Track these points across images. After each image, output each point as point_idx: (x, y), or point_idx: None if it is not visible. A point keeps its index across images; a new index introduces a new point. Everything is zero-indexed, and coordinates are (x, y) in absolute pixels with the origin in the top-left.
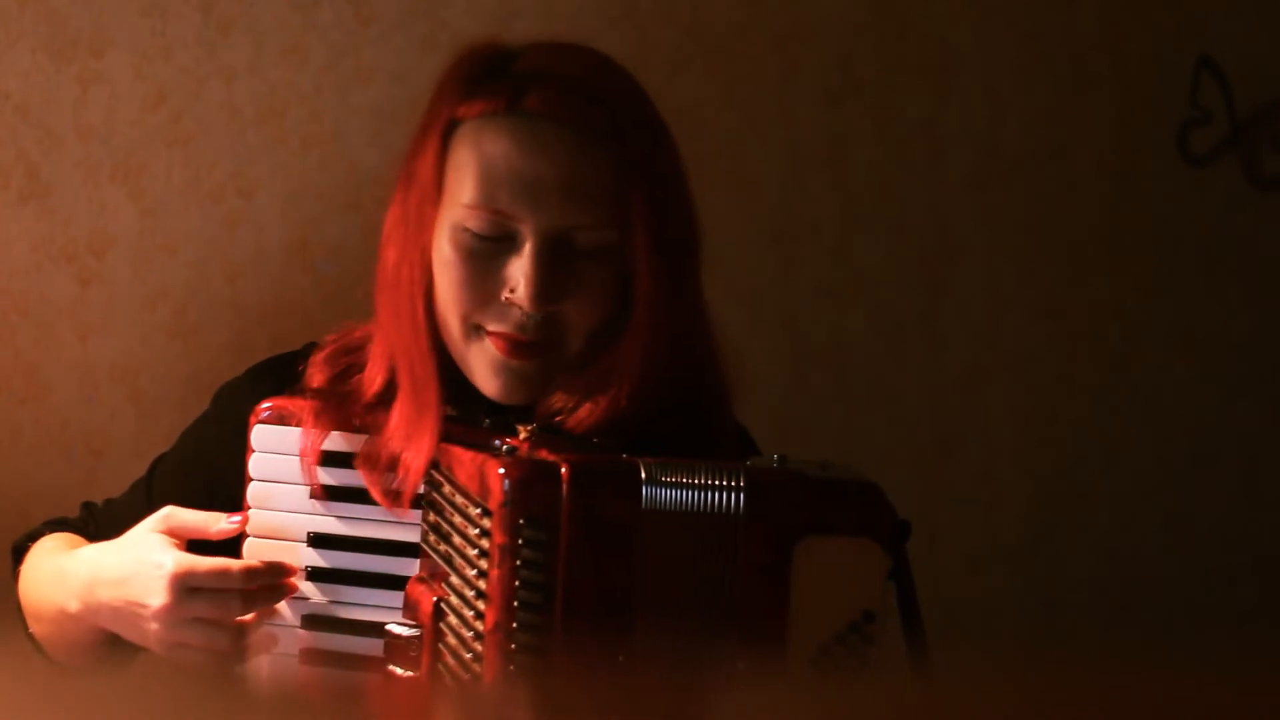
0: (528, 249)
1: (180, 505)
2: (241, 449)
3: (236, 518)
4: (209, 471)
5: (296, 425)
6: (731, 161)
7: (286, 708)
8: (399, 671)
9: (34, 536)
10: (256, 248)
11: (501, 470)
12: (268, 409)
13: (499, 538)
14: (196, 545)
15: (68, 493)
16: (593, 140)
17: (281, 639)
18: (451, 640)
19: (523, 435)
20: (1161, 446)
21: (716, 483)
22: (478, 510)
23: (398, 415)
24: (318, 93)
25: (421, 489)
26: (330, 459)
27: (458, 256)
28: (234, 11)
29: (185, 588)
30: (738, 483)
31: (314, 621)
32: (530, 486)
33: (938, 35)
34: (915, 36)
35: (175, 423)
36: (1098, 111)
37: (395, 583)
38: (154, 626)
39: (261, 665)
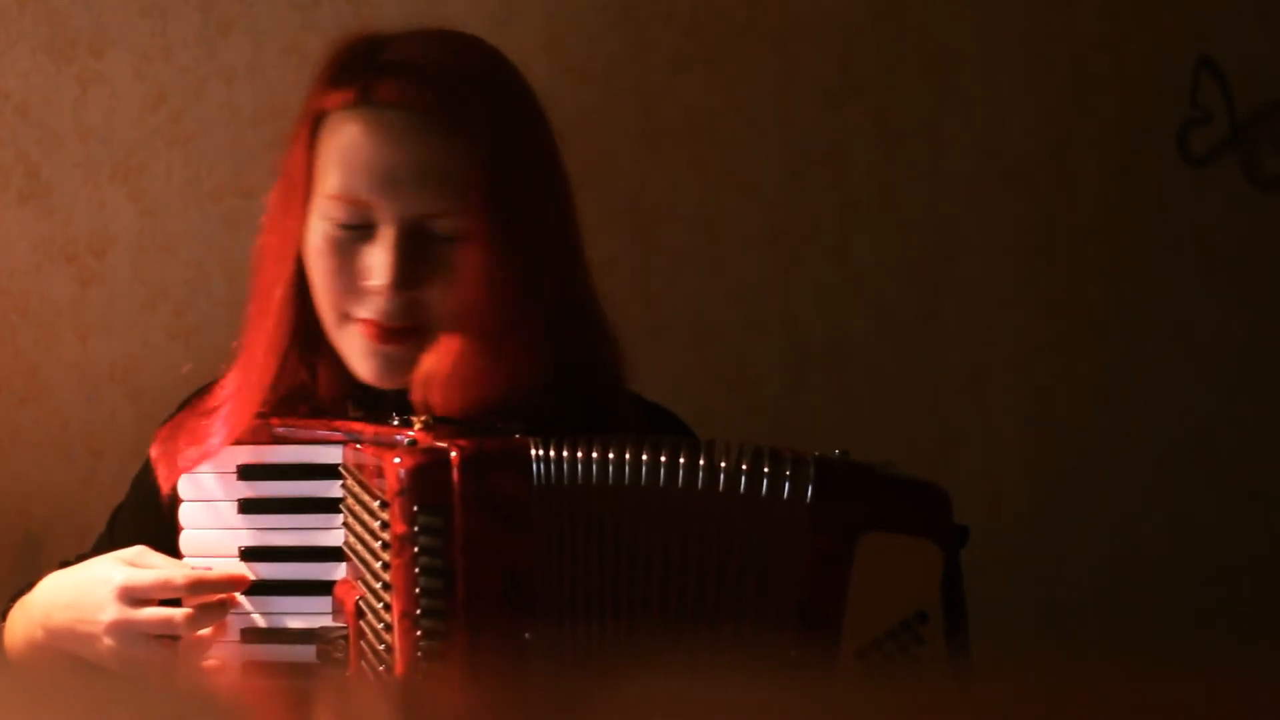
0: (384, 237)
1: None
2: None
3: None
4: (158, 513)
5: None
6: (731, 161)
7: (220, 711)
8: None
9: (21, 594)
10: None
11: (396, 460)
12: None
13: (397, 527)
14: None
15: (68, 493)
16: (442, 129)
17: (221, 653)
18: (369, 635)
19: (417, 426)
20: (1161, 446)
21: (771, 468)
22: (378, 503)
23: (230, 385)
24: None
25: (339, 493)
26: (249, 472)
27: (324, 247)
28: (234, 11)
29: (132, 600)
30: (806, 472)
31: (252, 634)
32: (422, 474)
33: (938, 35)
34: (915, 36)
35: None
36: (1098, 111)
37: (326, 588)
38: (107, 642)
39: (201, 677)
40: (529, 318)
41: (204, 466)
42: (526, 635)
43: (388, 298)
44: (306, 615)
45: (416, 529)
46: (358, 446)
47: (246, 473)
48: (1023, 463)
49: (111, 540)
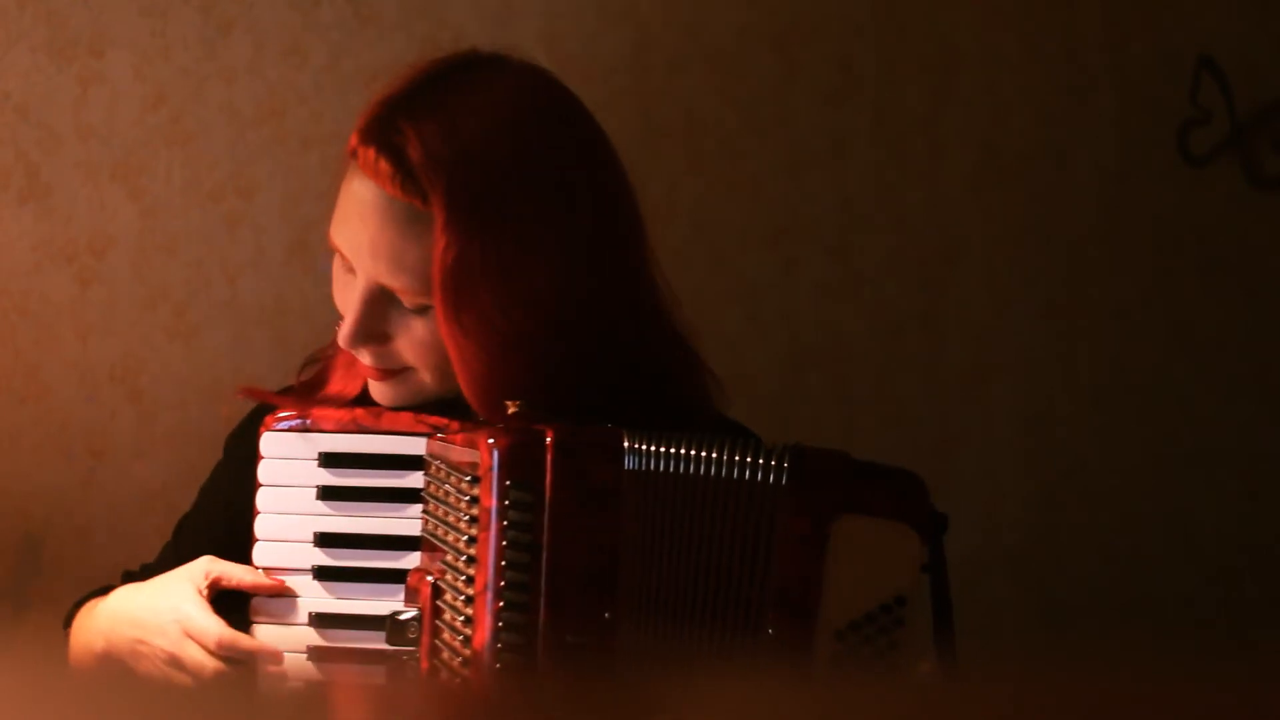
0: (357, 291)
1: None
2: (254, 480)
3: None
4: (228, 513)
5: (302, 431)
6: (731, 161)
7: (295, 707)
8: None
9: (82, 604)
10: (256, 248)
11: (490, 440)
12: (277, 417)
13: (486, 501)
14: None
15: (67, 493)
16: (404, 211)
17: (290, 637)
18: (446, 614)
19: (511, 410)
20: (1161, 446)
21: (747, 458)
22: (468, 480)
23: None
24: (318, 93)
25: (420, 483)
26: (331, 460)
27: (334, 277)
28: (234, 11)
29: (192, 640)
30: (780, 459)
31: (321, 619)
32: (516, 451)
33: (938, 35)
34: (915, 36)
35: (175, 423)
36: (1098, 111)
37: (399, 576)
38: (158, 663)
39: (269, 668)
40: (515, 368)
41: (287, 450)
42: (606, 615)
43: (346, 347)
44: (378, 601)
45: (507, 503)
46: (441, 437)
47: (328, 460)
48: (1023, 463)
49: (177, 551)
